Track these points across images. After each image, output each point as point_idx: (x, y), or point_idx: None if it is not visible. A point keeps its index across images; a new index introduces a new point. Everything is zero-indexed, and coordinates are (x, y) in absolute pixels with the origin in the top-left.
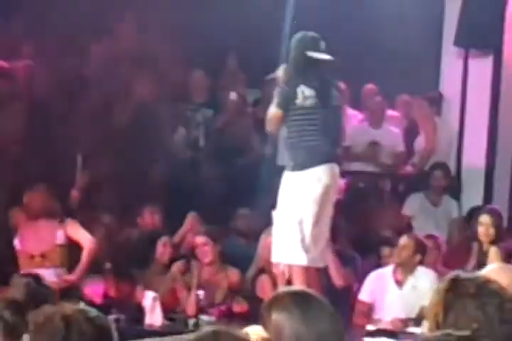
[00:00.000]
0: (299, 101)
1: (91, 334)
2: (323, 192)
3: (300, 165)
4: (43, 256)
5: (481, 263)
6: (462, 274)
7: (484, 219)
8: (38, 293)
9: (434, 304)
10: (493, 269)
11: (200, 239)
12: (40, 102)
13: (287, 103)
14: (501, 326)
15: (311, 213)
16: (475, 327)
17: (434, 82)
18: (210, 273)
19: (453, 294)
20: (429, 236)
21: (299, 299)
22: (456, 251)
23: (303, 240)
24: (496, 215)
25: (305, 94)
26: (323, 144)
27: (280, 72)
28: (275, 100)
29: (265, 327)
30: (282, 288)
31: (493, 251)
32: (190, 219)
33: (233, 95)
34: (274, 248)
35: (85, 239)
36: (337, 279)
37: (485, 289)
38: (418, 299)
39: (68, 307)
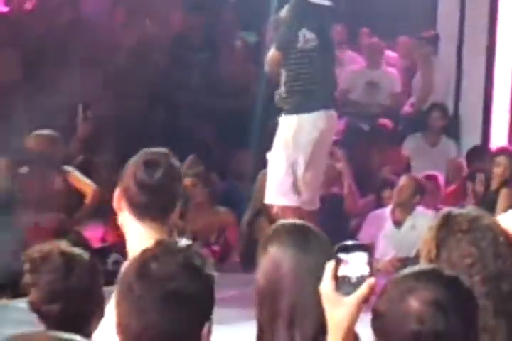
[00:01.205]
0: (300, 44)
1: (91, 270)
2: (318, 137)
3: (296, 109)
4: (41, 201)
5: (489, 204)
6: (455, 210)
7: (502, 160)
8: None
9: (427, 241)
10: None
11: (188, 181)
12: (35, 47)
13: (288, 45)
14: (495, 261)
15: (304, 156)
16: (468, 263)
17: (431, 22)
18: (200, 214)
19: (445, 230)
20: (429, 177)
21: (296, 231)
22: (455, 190)
23: (294, 182)
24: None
25: (306, 37)
26: (321, 88)
27: (283, 14)
28: (275, 42)
29: (262, 262)
30: (279, 223)
31: (504, 193)
32: (189, 162)
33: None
34: (267, 190)
35: (88, 186)
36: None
37: (478, 224)
38: (416, 239)
39: (63, 244)
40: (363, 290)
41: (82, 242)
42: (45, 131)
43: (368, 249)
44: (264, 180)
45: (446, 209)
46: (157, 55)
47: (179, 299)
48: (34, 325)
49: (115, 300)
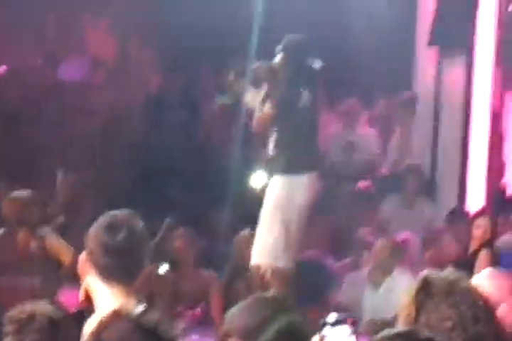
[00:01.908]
0: (300, 104)
1: (74, 331)
2: (309, 198)
3: (288, 169)
4: (18, 264)
5: (467, 266)
6: (433, 273)
7: (482, 221)
8: None
9: (406, 304)
10: (487, 275)
11: (178, 242)
12: (10, 111)
13: (289, 104)
14: (474, 324)
15: (298, 216)
16: (448, 326)
17: (408, 82)
18: (184, 276)
19: (424, 293)
20: (402, 240)
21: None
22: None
23: (287, 243)
24: (492, 218)
25: (304, 97)
26: (311, 149)
27: (276, 65)
28: (275, 99)
29: None
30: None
31: (484, 254)
32: (167, 225)
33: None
34: (259, 249)
35: (65, 250)
36: None
37: (457, 287)
38: (395, 301)
39: (44, 305)
40: None
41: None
42: (21, 194)
43: (354, 322)
44: (242, 242)
45: (424, 272)
46: (134, 117)
47: None
48: None
49: None
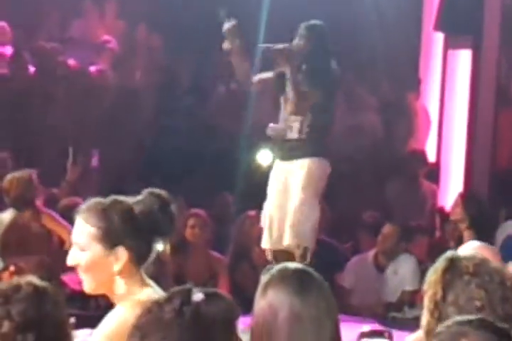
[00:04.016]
0: (334, 86)
1: (61, 300)
2: (325, 181)
3: (317, 152)
4: (19, 244)
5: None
6: (458, 253)
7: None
8: None
9: (432, 283)
10: (475, 247)
11: (190, 221)
12: (23, 90)
13: (334, 85)
14: (503, 304)
15: (307, 201)
16: (477, 306)
17: (414, 68)
18: (194, 256)
19: (452, 273)
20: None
21: (298, 278)
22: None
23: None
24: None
25: (337, 79)
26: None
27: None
28: (326, 78)
29: (259, 306)
30: (279, 266)
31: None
32: (177, 204)
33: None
34: (305, 232)
35: (64, 229)
36: None
37: (485, 268)
38: (399, 284)
39: (30, 277)
40: None
41: (62, 286)
42: (19, 173)
43: (390, 336)
44: (245, 224)
45: (450, 252)
46: (143, 101)
47: None
48: None
49: None
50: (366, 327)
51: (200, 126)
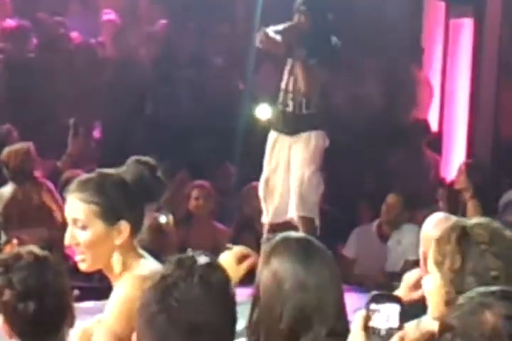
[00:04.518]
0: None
1: (61, 269)
2: (313, 156)
3: (323, 124)
4: (21, 216)
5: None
6: (468, 221)
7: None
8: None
9: (449, 253)
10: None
11: (194, 193)
12: (25, 63)
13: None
14: None
15: (313, 173)
16: (493, 275)
17: (416, 38)
18: (198, 228)
19: (467, 242)
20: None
21: (302, 246)
22: None
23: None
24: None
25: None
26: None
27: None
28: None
29: (263, 276)
30: (281, 235)
31: (471, 204)
32: (180, 177)
33: None
34: (306, 202)
35: (59, 208)
36: None
37: (500, 236)
38: (402, 253)
39: (30, 247)
40: None
41: (65, 258)
42: (17, 145)
43: (400, 300)
44: (249, 196)
45: (458, 220)
46: (144, 72)
47: (205, 331)
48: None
49: (136, 326)
50: (374, 292)
51: (200, 96)
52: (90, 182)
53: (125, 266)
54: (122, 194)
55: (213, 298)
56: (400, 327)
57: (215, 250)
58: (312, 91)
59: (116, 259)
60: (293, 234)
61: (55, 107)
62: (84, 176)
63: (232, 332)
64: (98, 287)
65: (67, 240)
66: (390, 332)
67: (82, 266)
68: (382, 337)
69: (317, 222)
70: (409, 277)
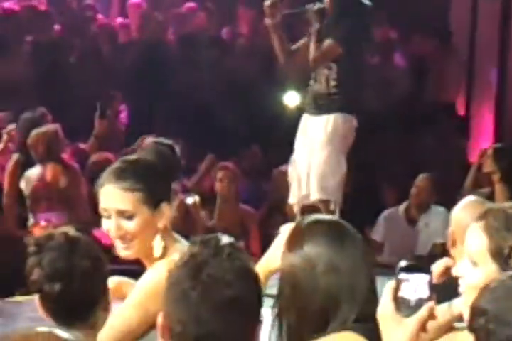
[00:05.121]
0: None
1: (94, 253)
2: (331, 138)
3: (350, 107)
4: (49, 199)
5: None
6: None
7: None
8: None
9: (494, 240)
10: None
11: (219, 174)
12: (53, 45)
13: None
14: None
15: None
16: None
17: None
18: (224, 210)
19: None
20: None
21: (334, 229)
22: None
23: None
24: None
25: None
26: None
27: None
28: (336, 38)
29: (293, 259)
30: (310, 219)
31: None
32: (209, 160)
33: None
34: (326, 185)
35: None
36: None
37: None
38: (430, 237)
39: (67, 229)
40: (423, 312)
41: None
42: (44, 128)
43: (429, 271)
44: (278, 179)
45: (495, 205)
46: (170, 54)
47: (236, 305)
48: (46, 322)
49: (165, 305)
50: (403, 262)
51: (224, 78)
52: (127, 171)
53: (165, 250)
54: (157, 177)
55: (242, 273)
56: (430, 298)
57: (243, 232)
58: (332, 71)
59: (158, 243)
60: (323, 217)
61: (82, 90)
62: (115, 166)
63: (259, 308)
64: (125, 269)
65: (114, 232)
66: (420, 302)
67: (125, 254)
68: (411, 307)
69: (338, 205)
70: (437, 266)
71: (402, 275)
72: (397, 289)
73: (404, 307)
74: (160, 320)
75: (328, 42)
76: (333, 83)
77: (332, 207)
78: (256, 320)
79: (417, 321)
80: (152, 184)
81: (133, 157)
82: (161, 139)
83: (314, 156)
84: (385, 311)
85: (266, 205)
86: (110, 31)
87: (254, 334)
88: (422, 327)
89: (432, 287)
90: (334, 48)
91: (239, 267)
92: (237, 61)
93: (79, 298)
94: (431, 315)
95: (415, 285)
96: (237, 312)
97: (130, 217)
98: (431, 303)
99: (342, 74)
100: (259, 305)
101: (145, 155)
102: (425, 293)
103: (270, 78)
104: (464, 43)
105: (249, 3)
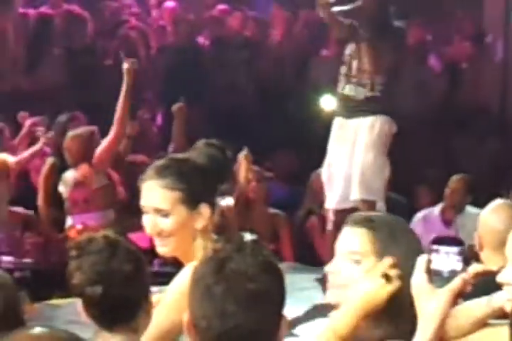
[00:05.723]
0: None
1: (134, 256)
2: (377, 140)
3: (389, 110)
4: (85, 201)
5: None
6: None
7: None
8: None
9: None
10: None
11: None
12: (87, 49)
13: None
14: None
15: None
16: None
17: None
18: (253, 211)
19: None
20: None
21: (385, 226)
22: None
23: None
24: None
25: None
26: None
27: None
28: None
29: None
30: (381, 216)
31: None
32: (243, 157)
33: None
34: (372, 186)
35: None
36: None
37: None
38: (466, 237)
39: (108, 232)
40: (456, 283)
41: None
42: (80, 130)
43: (462, 243)
44: (317, 181)
45: None
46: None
47: (261, 299)
48: (84, 325)
49: (189, 302)
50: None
51: (258, 81)
52: (170, 169)
53: (204, 251)
54: (201, 178)
55: (265, 267)
56: (463, 270)
57: (273, 235)
58: (377, 75)
59: (199, 244)
60: (382, 214)
61: (115, 92)
62: (160, 163)
63: (283, 302)
64: (160, 271)
65: (150, 229)
66: (453, 274)
67: (163, 251)
68: (445, 278)
69: (381, 206)
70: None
71: (435, 248)
72: (430, 261)
73: (437, 278)
74: (185, 317)
75: (379, 47)
76: (378, 87)
77: (377, 207)
78: (280, 314)
79: (450, 292)
80: (193, 184)
81: (180, 156)
82: (213, 141)
83: (357, 158)
84: (418, 283)
85: (302, 209)
86: (145, 34)
87: (279, 327)
88: (455, 299)
89: (465, 259)
90: (384, 53)
91: (262, 261)
92: (270, 63)
93: (121, 302)
94: (464, 285)
95: (448, 258)
96: (261, 306)
97: (166, 215)
98: (464, 275)
99: (384, 77)
100: (283, 298)
101: (194, 155)
102: (458, 265)
103: (304, 81)
104: (499, 45)
105: (283, 4)
